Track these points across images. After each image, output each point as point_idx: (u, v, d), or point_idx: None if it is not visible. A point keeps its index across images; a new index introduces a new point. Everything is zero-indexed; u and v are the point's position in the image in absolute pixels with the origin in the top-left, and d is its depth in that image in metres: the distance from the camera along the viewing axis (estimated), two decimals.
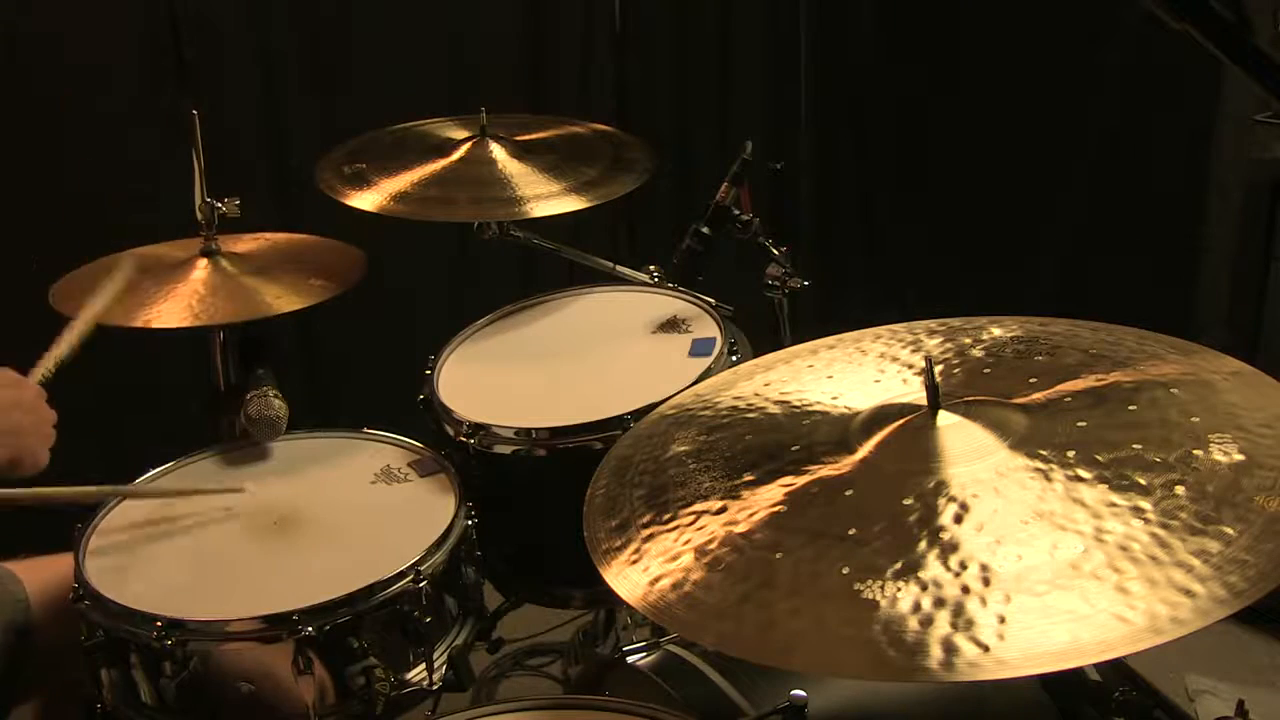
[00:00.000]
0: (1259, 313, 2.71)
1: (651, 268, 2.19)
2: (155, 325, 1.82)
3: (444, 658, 1.62)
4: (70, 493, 1.64)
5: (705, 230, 2.07)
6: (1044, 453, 1.10)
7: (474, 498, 1.73)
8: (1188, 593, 0.94)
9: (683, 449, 1.28)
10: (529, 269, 2.90)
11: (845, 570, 1.03)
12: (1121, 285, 2.92)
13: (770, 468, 1.19)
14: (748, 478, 1.19)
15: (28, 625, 1.64)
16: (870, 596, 1.00)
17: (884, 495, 1.10)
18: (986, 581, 0.98)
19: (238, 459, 1.85)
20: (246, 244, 2.05)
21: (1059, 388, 1.20)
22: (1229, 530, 0.98)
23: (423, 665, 1.60)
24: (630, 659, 1.47)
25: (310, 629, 1.49)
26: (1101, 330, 1.32)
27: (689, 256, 2.08)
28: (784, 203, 3.12)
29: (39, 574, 1.67)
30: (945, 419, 1.17)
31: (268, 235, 2.10)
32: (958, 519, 1.05)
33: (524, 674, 2.55)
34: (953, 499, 1.07)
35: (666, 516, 1.17)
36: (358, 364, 2.96)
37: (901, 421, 1.19)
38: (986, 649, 0.93)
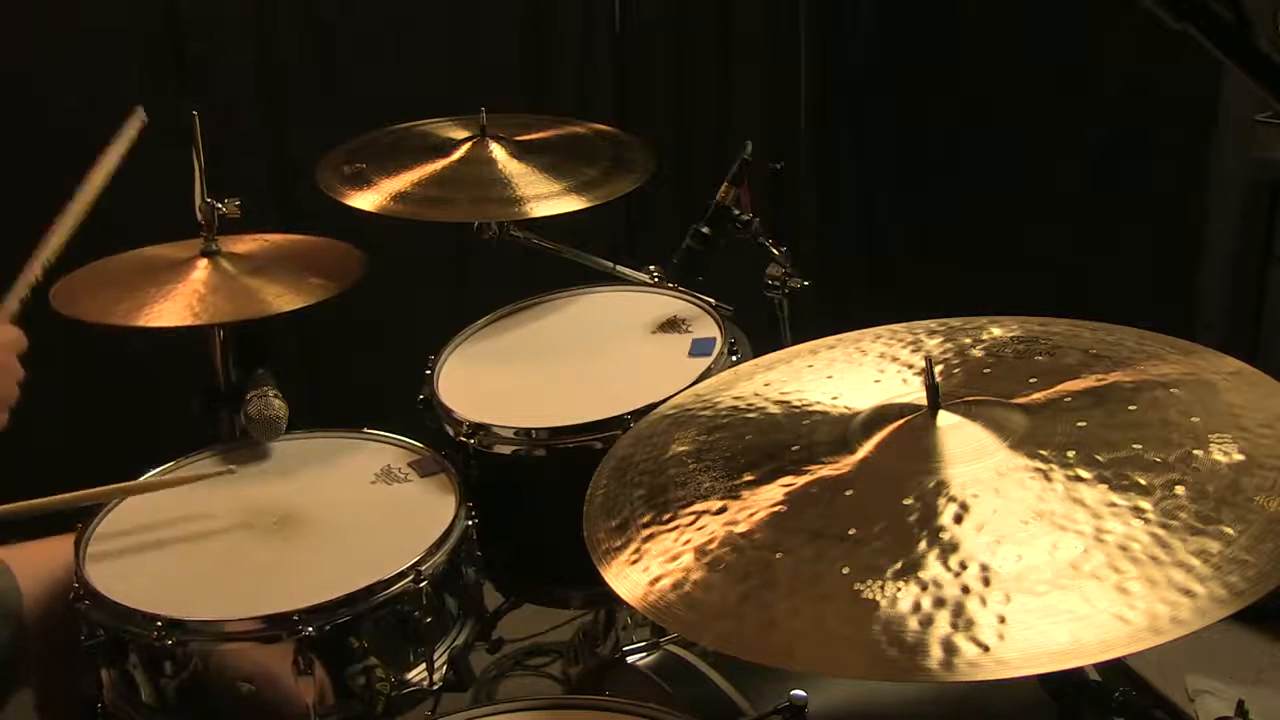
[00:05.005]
0: (1259, 313, 2.71)
1: (651, 268, 2.19)
2: (155, 324, 1.82)
3: (444, 658, 1.63)
4: (66, 499, 1.64)
5: (705, 230, 2.07)
6: (1044, 453, 1.10)
7: (474, 498, 1.73)
8: (1188, 593, 0.94)
9: (683, 449, 1.28)
10: (529, 269, 2.89)
11: (845, 570, 1.03)
12: (1121, 285, 2.92)
13: (770, 468, 1.19)
14: (748, 478, 1.19)
15: (20, 615, 1.63)
16: (870, 596, 1.00)
17: (884, 495, 1.10)
18: (986, 581, 0.98)
19: (238, 459, 1.84)
20: (246, 244, 2.05)
21: (1059, 388, 1.20)
22: (1229, 530, 0.98)
23: (423, 665, 1.60)
24: (630, 659, 1.47)
25: (310, 629, 1.49)
26: (1101, 330, 1.32)
27: (689, 256, 2.08)
28: (784, 203, 3.12)
29: (30, 561, 1.66)
30: (945, 419, 1.17)
31: (268, 236, 2.10)
32: (958, 519, 1.05)
33: (524, 674, 2.55)
34: (953, 499, 1.07)
35: (666, 516, 1.17)
36: (358, 364, 2.96)
37: (901, 421, 1.19)
38: (986, 649, 0.93)
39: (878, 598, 0.99)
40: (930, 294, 3.22)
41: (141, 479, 1.77)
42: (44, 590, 1.65)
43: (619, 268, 2.20)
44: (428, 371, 1.96)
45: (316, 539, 1.67)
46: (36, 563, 1.66)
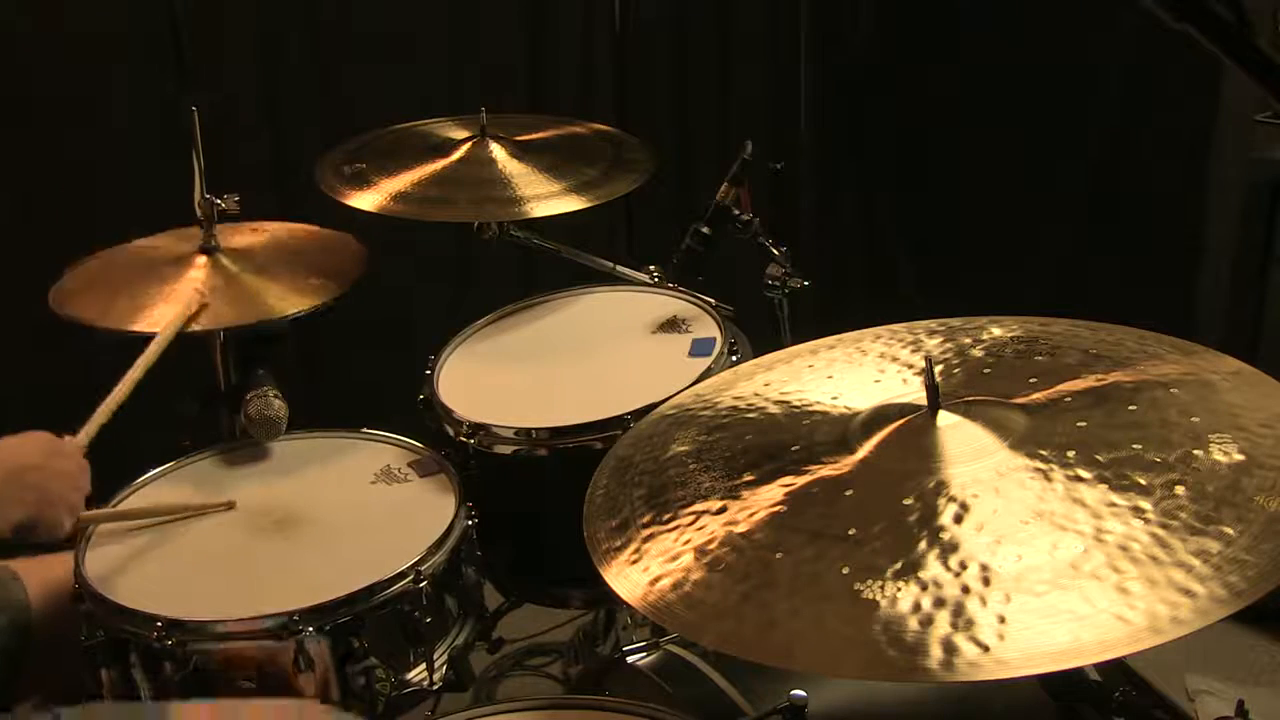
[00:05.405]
0: (1259, 313, 2.71)
1: (651, 268, 2.19)
2: (154, 329, 1.82)
3: (444, 658, 1.63)
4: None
5: (705, 230, 2.07)
6: (1044, 453, 1.10)
7: (474, 498, 1.73)
8: (1188, 593, 0.94)
9: (683, 449, 1.28)
10: (529, 269, 2.90)
11: (845, 570, 1.03)
12: (1121, 285, 2.92)
13: (770, 468, 1.19)
14: (748, 478, 1.19)
15: (28, 626, 1.64)
16: (870, 596, 1.00)
17: (884, 495, 1.10)
18: (986, 581, 0.98)
19: (238, 459, 1.85)
20: (246, 237, 2.05)
21: (1059, 388, 1.20)
22: (1229, 530, 0.98)
23: (423, 665, 1.60)
24: (630, 659, 1.47)
25: (310, 629, 1.49)
26: (1101, 330, 1.33)
27: (689, 256, 2.08)
28: (784, 203, 3.11)
29: (39, 573, 1.67)
30: (945, 419, 1.17)
31: (266, 225, 2.10)
32: (958, 519, 1.05)
33: (524, 674, 2.55)
34: (953, 499, 1.07)
35: (666, 516, 1.17)
36: (358, 364, 2.96)
37: (901, 421, 1.19)
38: (986, 649, 0.93)
39: (878, 598, 0.99)
40: (930, 294, 3.24)
41: (141, 481, 1.78)
42: (53, 603, 1.65)
43: (619, 268, 2.20)
44: (428, 371, 1.96)
45: (316, 539, 1.67)
46: (47, 575, 1.66)
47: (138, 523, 1.70)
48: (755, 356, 1.54)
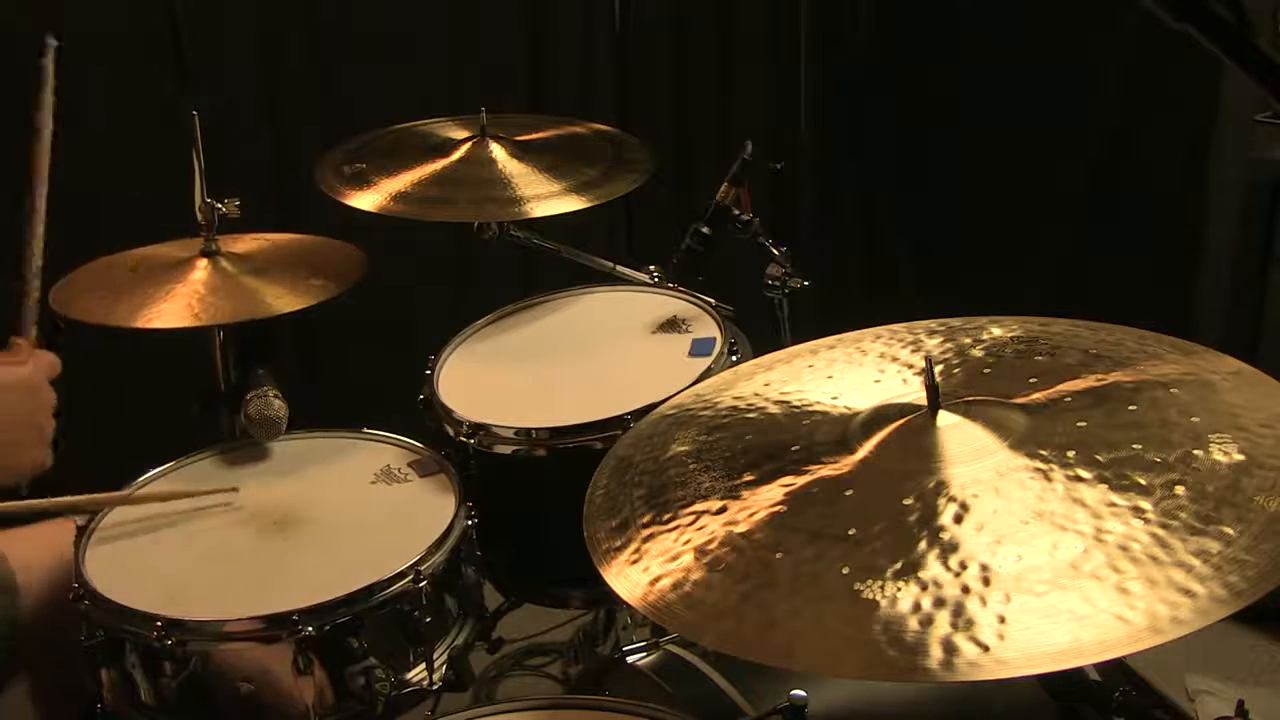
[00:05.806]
0: (1259, 313, 2.71)
1: (651, 268, 2.19)
2: (155, 325, 1.82)
3: (444, 658, 1.62)
4: (61, 503, 1.63)
5: (705, 230, 2.07)
6: (1044, 453, 1.10)
7: (474, 498, 1.73)
8: (1188, 593, 0.94)
9: (683, 449, 1.28)
10: (529, 269, 2.90)
11: (845, 570, 1.03)
12: (1121, 285, 2.92)
13: (770, 468, 1.19)
14: (748, 478, 1.19)
15: (13, 606, 1.62)
16: (870, 596, 1.00)
17: (884, 495, 1.10)
18: (986, 581, 0.98)
19: (238, 459, 1.85)
20: (247, 244, 2.05)
21: (1059, 388, 1.20)
22: (1229, 530, 0.98)
23: (423, 665, 1.60)
24: (630, 659, 1.47)
25: (310, 629, 1.49)
26: (1101, 330, 1.32)
27: (689, 256, 2.08)
28: (784, 203, 3.12)
29: (27, 549, 1.65)
30: (945, 419, 1.17)
31: (268, 235, 2.10)
32: (958, 519, 1.05)
33: (524, 674, 2.55)
34: (953, 499, 1.07)
35: (666, 516, 1.17)
36: (358, 364, 2.96)
37: (901, 421, 1.19)
38: (986, 649, 0.93)
39: (878, 598, 0.99)
40: (930, 294, 3.24)
41: (140, 481, 1.78)
42: (40, 580, 1.63)
43: (619, 268, 2.20)
44: (428, 371, 1.96)
45: (316, 539, 1.67)
46: (33, 551, 1.65)
47: (139, 519, 1.70)
48: (755, 356, 1.54)
